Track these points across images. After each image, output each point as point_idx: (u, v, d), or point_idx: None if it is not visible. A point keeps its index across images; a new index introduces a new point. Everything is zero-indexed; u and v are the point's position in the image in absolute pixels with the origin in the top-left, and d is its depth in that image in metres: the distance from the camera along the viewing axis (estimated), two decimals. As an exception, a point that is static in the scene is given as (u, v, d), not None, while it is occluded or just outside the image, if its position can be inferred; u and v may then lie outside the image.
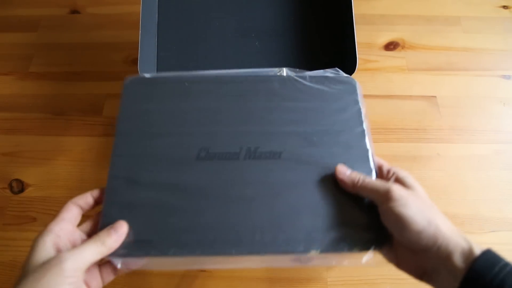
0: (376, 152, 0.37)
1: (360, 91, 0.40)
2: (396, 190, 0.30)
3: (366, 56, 0.68)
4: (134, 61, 0.66)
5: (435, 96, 0.64)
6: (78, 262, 0.28)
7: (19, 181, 0.58)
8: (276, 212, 0.33)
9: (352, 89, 0.39)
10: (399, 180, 0.33)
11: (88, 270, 0.30)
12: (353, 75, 0.49)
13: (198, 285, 0.49)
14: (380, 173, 0.35)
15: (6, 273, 0.52)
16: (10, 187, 0.57)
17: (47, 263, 0.27)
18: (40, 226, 0.54)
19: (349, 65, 0.50)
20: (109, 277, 0.33)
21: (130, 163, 0.35)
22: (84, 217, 0.34)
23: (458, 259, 0.27)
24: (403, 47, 0.69)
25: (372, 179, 0.34)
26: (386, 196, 0.30)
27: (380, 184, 0.32)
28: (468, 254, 0.27)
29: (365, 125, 0.38)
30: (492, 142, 0.60)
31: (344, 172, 0.34)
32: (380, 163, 0.36)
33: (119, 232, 0.31)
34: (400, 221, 0.29)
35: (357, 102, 0.39)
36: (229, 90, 0.39)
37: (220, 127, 0.37)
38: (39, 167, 0.59)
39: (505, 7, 0.73)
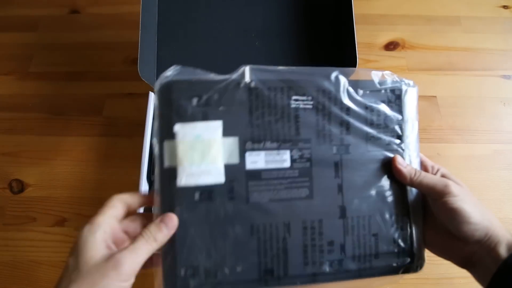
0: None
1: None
2: (453, 185, 0.32)
3: (366, 56, 0.68)
4: (134, 61, 0.66)
5: (435, 96, 0.64)
6: (135, 264, 0.27)
7: (19, 181, 0.58)
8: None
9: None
10: (445, 177, 0.34)
11: None
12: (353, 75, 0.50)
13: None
14: (425, 169, 0.36)
15: (6, 273, 0.52)
16: (10, 187, 0.57)
17: (103, 266, 0.26)
18: (40, 226, 0.55)
19: (349, 65, 0.50)
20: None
21: None
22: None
23: (503, 249, 0.30)
24: (403, 47, 0.69)
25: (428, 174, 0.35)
26: (444, 191, 0.31)
27: (437, 179, 0.33)
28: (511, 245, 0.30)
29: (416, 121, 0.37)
30: (492, 142, 0.60)
31: (403, 164, 0.35)
32: (422, 159, 0.37)
33: (169, 226, 0.30)
34: (460, 215, 0.31)
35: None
36: None
37: None
38: (39, 167, 0.59)
39: (505, 7, 0.73)
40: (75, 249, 0.27)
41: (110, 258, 0.26)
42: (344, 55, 0.52)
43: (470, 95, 0.64)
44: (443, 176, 0.34)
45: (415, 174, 0.34)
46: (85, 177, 0.58)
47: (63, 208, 0.56)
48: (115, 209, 0.30)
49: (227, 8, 0.55)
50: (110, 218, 0.30)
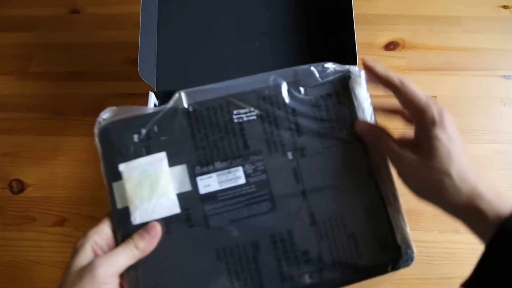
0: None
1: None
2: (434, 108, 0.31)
3: (366, 56, 0.68)
4: (134, 61, 0.66)
5: (435, 96, 0.64)
6: (111, 268, 0.28)
7: (19, 181, 0.58)
8: None
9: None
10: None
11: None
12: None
13: None
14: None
15: (6, 273, 0.52)
16: (10, 187, 0.57)
17: (82, 270, 0.27)
18: (40, 226, 0.55)
19: (349, 65, 0.50)
20: None
21: None
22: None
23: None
24: (403, 47, 0.69)
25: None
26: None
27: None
28: None
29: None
30: (492, 142, 0.60)
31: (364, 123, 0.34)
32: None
33: (152, 234, 0.30)
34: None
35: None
36: None
37: None
38: (39, 167, 0.59)
39: (505, 7, 0.73)
40: (68, 260, 0.29)
41: (88, 264, 0.28)
42: (344, 55, 0.52)
43: (470, 95, 0.64)
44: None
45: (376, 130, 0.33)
46: (85, 177, 0.58)
47: (63, 208, 0.56)
48: (107, 223, 0.31)
49: (227, 8, 0.55)
50: (105, 227, 0.31)
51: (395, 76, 0.32)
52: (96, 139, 0.33)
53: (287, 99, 0.33)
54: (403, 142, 0.32)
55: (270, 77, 0.34)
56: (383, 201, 0.33)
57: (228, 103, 0.33)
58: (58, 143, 0.60)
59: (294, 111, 0.33)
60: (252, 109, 0.33)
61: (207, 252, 0.31)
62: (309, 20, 0.55)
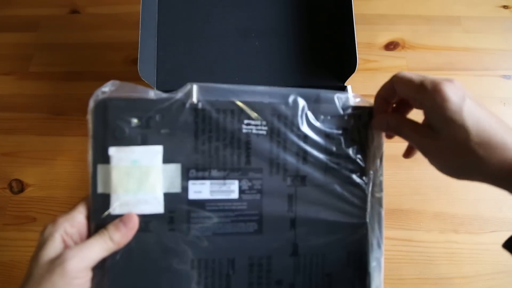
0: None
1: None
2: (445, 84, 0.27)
3: (366, 56, 0.68)
4: (134, 61, 0.66)
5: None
6: (83, 261, 0.26)
7: (19, 181, 0.58)
8: None
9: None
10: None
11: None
12: (353, 75, 0.49)
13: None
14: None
15: (5, 273, 0.52)
16: (10, 187, 0.57)
17: (51, 263, 0.25)
18: (40, 226, 0.54)
19: (349, 65, 0.50)
20: None
21: None
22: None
23: None
24: (403, 47, 0.69)
25: None
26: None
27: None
28: None
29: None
30: (492, 142, 0.60)
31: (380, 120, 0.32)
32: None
33: (129, 226, 0.28)
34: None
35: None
36: None
37: None
38: (39, 167, 0.59)
39: (505, 7, 0.73)
40: (35, 249, 0.27)
41: (58, 256, 0.26)
42: (344, 55, 0.52)
43: (470, 95, 0.64)
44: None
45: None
46: (85, 177, 0.57)
47: (63, 208, 0.56)
48: (82, 210, 0.29)
49: (227, 8, 0.55)
50: (77, 214, 0.29)
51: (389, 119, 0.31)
52: (90, 113, 0.30)
53: (302, 123, 0.31)
54: (424, 126, 0.30)
55: (292, 94, 0.31)
56: (367, 249, 0.32)
57: (241, 111, 0.31)
58: (58, 143, 0.60)
59: (306, 137, 0.31)
60: (264, 123, 0.31)
61: (181, 260, 0.30)
62: (309, 20, 0.55)
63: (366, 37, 0.70)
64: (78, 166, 0.59)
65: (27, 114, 0.63)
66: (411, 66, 0.67)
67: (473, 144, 0.26)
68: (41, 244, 0.27)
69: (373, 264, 0.32)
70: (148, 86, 0.50)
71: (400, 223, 0.54)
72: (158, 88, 0.52)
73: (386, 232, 0.53)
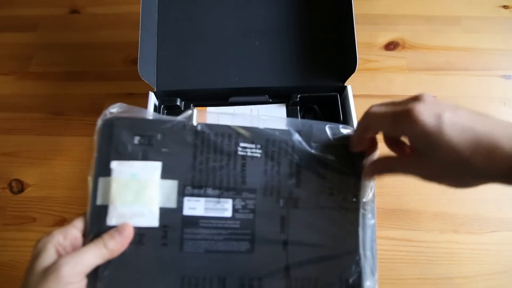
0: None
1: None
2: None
3: (366, 56, 0.68)
4: (134, 61, 0.66)
5: (435, 96, 0.64)
6: (77, 267, 0.26)
7: (18, 181, 0.58)
8: None
9: None
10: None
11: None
12: (353, 75, 0.49)
13: None
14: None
15: (5, 273, 0.52)
16: (10, 187, 0.57)
17: (46, 270, 0.26)
18: (40, 226, 0.54)
19: (349, 65, 0.50)
20: None
21: None
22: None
23: None
24: (403, 47, 0.69)
25: None
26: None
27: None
28: None
29: None
30: (492, 142, 0.60)
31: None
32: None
33: (123, 235, 0.29)
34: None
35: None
36: None
37: None
38: (39, 167, 0.59)
39: (505, 6, 0.73)
40: (29, 261, 0.27)
41: (53, 263, 0.26)
42: (344, 55, 0.52)
43: (470, 95, 0.64)
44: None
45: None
46: (85, 177, 0.57)
47: (63, 208, 0.56)
48: (80, 221, 0.30)
49: (227, 8, 0.55)
50: (71, 228, 0.29)
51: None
52: (97, 130, 0.31)
53: (295, 150, 0.33)
54: (413, 154, 0.30)
55: (285, 122, 0.33)
56: (360, 276, 0.32)
57: (238, 135, 0.32)
58: (58, 143, 0.60)
59: (299, 162, 0.33)
60: (258, 146, 0.32)
61: (172, 275, 0.30)
62: (309, 20, 0.55)
63: (366, 37, 0.70)
64: (77, 166, 0.59)
65: (27, 114, 0.63)
66: (411, 66, 0.67)
67: (466, 158, 0.25)
68: (35, 255, 0.27)
69: None
70: (147, 87, 0.50)
71: (400, 223, 0.54)
72: (158, 88, 0.52)
73: (386, 232, 0.53)
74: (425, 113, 0.26)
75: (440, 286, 0.50)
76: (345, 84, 0.52)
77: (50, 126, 0.62)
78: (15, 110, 0.64)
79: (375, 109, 0.29)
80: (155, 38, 0.54)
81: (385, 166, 0.31)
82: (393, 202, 0.56)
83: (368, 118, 0.30)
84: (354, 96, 0.50)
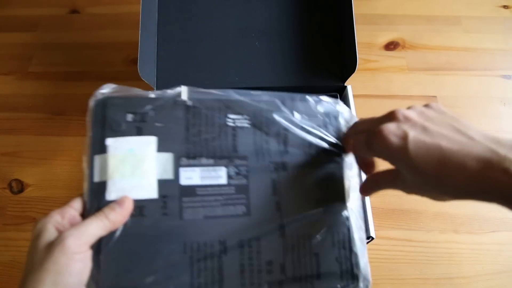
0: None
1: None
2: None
3: (366, 56, 0.68)
4: (134, 61, 0.66)
5: (435, 96, 0.64)
6: (82, 237, 0.27)
7: (18, 181, 0.58)
8: None
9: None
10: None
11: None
12: (353, 75, 0.49)
13: None
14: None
15: (5, 273, 0.52)
16: (10, 187, 0.57)
17: (50, 245, 0.26)
18: (40, 226, 0.55)
19: (349, 65, 0.50)
20: None
21: None
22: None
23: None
24: (403, 47, 0.69)
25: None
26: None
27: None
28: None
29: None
30: (492, 142, 0.60)
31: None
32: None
33: (124, 206, 0.30)
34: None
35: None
36: None
37: None
38: (39, 167, 0.59)
39: (505, 6, 0.73)
40: (30, 242, 0.28)
41: (57, 237, 0.27)
42: (344, 55, 0.52)
43: (470, 95, 0.64)
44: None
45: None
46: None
47: (63, 208, 0.56)
48: (77, 202, 0.31)
49: (227, 8, 0.55)
50: (68, 208, 0.30)
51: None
52: (90, 111, 0.32)
53: (280, 117, 0.35)
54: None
55: (269, 95, 0.35)
56: (350, 230, 0.34)
57: (227, 108, 0.34)
58: (58, 143, 0.60)
59: (285, 129, 0.35)
60: (246, 116, 0.34)
61: (174, 243, 0.31)
62: (309, 20, 0.55)
63: (366, 37, 0.70)
64: (78, 166, 0.59)
65: (27, 114, 0.63)
66: (411, 66, 0.67)
67: (432, 177, 0.25)
68: (36, 234, 0.27)
69: (357, 243, 0.34)
70: (147, 87, 0.50)
71: (400, 223, 0.54)
72: (158, 88, 0.52)
73: (386, 232, 0.53)
74: (391, 132, 0.27)
75: (440, 286, 0.50)
76: (345, 84, 0.52)
77: (50, 126, 0.62)
78: (15, 110, 0.64)
79: (353, 135, 0.32)
80: (155, 38, 0.54)
81: (375, 184, 0.32)
82: (393, 202, 0.56)
83: (349, 143, 0.33)
84: (354, 96, 0.50)
